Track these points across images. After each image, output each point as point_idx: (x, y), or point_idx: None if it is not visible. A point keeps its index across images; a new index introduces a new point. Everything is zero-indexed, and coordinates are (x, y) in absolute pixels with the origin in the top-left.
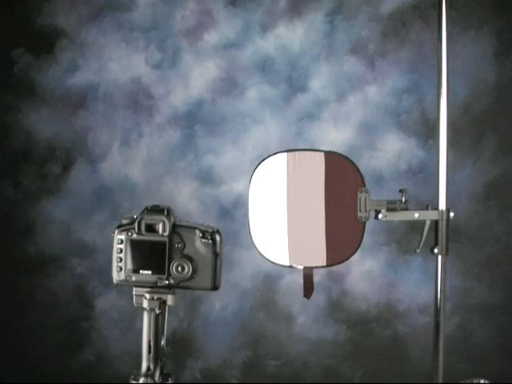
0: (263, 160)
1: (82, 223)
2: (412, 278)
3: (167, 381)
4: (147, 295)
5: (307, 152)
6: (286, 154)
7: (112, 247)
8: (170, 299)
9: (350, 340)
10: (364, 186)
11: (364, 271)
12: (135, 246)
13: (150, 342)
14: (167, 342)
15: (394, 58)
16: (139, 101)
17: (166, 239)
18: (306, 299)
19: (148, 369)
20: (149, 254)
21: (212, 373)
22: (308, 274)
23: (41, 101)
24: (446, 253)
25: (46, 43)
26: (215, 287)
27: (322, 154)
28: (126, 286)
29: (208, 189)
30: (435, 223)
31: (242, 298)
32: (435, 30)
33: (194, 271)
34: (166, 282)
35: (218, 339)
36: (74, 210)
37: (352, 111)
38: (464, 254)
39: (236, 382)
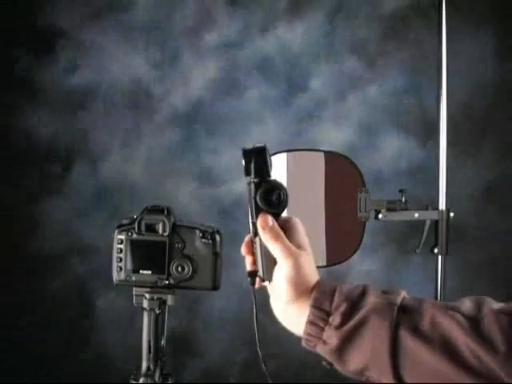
0: None
1: (82, 223)
2: (412, 278)
3: (167, 381)
4: (147, 295)
5: (307, 152)
6: (285, 153)
7: (112, 247)
8: (169, 299)
9: None
10: (364, 186)
11: (364, 271)
12: (135, 245)
13: (150, 341)
14: (167, 341)
15: (394, 58)
16: (139, 101)
17: (166, 239)
18: None
19: (148, 369)
20: (149, 254)
21: (212, 373)
22: None
23: (41, 101)
24: (445, 253)
25: (46, 43)
26: (215, 287)
27: (322, 154)
28: (126, 286)
29: (208, 189)
30: (435, 223)
31: (242, 297)
32: (435, 30)
33: (194, 271)
34: (166, 281)
35: (218, 339)
36: (74, 210)
37: (352, 111)
38: (464, 254)
39: (236, 382)
